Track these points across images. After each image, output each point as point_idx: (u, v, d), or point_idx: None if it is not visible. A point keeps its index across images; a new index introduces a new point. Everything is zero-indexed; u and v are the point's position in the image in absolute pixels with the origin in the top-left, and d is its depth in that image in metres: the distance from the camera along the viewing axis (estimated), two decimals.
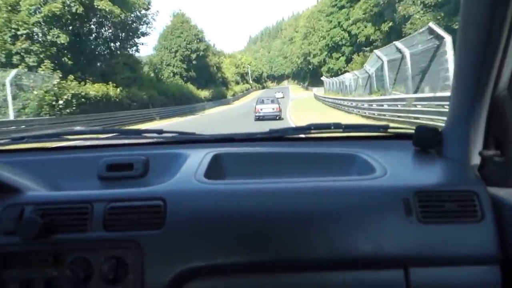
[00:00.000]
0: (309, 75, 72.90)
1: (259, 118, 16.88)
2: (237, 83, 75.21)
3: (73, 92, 15.88)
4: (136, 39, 26.33)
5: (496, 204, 0.79)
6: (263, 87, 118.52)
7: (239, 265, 0.79)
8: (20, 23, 18.38)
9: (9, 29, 18.21)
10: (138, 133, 1.30)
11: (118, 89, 20.34)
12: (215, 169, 1.00)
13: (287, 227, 0.79)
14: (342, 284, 0.80)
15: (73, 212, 0.81)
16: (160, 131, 1.26)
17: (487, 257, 0.77)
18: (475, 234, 0.78)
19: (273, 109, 17.41)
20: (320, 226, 0.79)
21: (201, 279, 0.79)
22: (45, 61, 17.21)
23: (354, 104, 16.58)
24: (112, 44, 25.01)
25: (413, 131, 1.06)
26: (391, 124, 1.33)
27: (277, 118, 16.75)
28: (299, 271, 0.80)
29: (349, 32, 49.92)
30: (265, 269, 0.80)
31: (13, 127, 11.71)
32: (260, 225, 0.80)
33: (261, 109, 17.37)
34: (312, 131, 1.24)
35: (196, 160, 1.02)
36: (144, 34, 26.89)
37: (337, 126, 1.22)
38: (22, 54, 18.30)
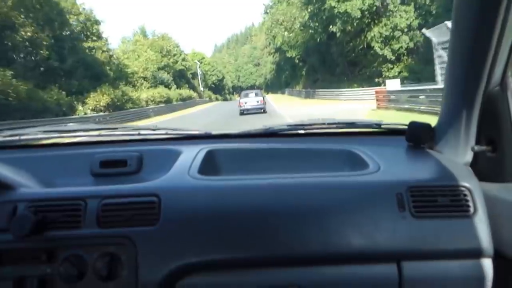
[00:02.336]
0: (310, 71, 27.71)
1: (243, 112, 17.17)
2: (162, 83, 38.32)
3: None
4: None
5: (488, 199, 0.81)
6: (225, 99, 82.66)
7: (234, 260, 0.80)
8: None
9: None
10: (132, 129, 1.29)
11: None
12: (209, 165, 1.01)
13: (281, 223, 0.80)
14: (336, 279, 0.81)
15: (66, 208, 0.82)
16: (153, 128, 1.28)
17: (479, 251, 0.78)
18: (468, 228, 0.79)
19: (258, 101, 17.68)
20: (314, 221, 0.80)
21: (195, 275, 0.79)
22: None
23: None
24: None
25: (406, 127, 1.07)
26: None
27: (262, 111, 17.02)
28: (293, 266, 0.81)
29: None
30: (260, 265, 0.81)
31: None
32: (254, 220, 0.81)
33: (245, 103, 17.72)
34: (306, 127, 1.26)
35: (190, 156, 1.02)
36: None
37: (331, 122, 1.25)
38: None
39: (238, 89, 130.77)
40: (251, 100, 17.67)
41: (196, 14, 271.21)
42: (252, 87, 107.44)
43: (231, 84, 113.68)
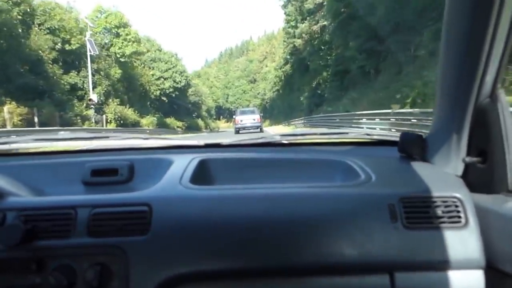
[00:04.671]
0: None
1: (238, 131, 17.64)
2: None
3: None
4: None
5: (479, 210, 0.84)
6: (189, 127, 47.23)
7: (226, 271, 0.82)
8: None
9: None
10: (123, 138, 1.33)
11: None
12: (201, 174, 1.03)
13: (273, 233, 0.83)
14: None
15: (56, 217, 0.84)
16: (145, 137, 1.35)
17: (471, 262, 0.81)
18: (459, 239, 0.82)
19: (254, 119, 18.13)
20: (307, 232, 0.83)
21: (187, 286, 0.82)
22: None
23: None
24: None
25: (397, 137, 1.11)
26: None
27: (259, 129, 17.68)
28: (286, 276, 0.84)
29: None
30: (252, 275, 0.83)
31: None
32: (247, 231, 0.83)
33: (241, 120, 18.17)
34: (298, 137, 1.34)
35: (182, 165, 1.04)
36: None
37: (324, 132, 1.33)
38: None
39: (225, 112, 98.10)
40: (247, 118, 18.23)
41: (190, 26, 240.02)
42: None
43: (214, 104, 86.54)
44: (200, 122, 53.45)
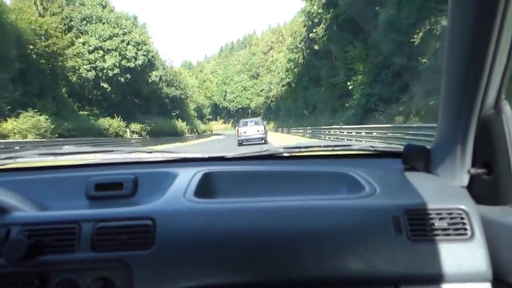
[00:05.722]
0: None
1: (242, 143, 17.60)
2: None
3: None
4: None
5: (485, 222, 0.87)
6: (153, 133, 31.45)
7: (229, 285, 0.85)
8: None
9: None
10: (128, 152, 1.39)
11: None
12: (205, 188, 1.08)
13: (278, 246, 0.86)
14: None
15: (60, 232, 0.87)
16: (149, 151, 1.40)
17: (478, 274, 0.83)
18: (465, 252, 0.84)
19: (258, 131, 17.91)
20: (311, 245, 0.86)
21: None
22: None
23: None
24: None
25: (401, 149, 1.17)
26: None
27: (263, 141, 17.84)
28: None
29: None
30: None
31: None
32: (251, 244, 0.87)
33: (244, 132, 18.05)
34: (302, 149, 1.37)
35: (186, 179, 1.09)
36: None
37: (327, 145, 1.38)
38: None
39: (223, 112, 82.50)
40: (251, 129, 17.97)
41: (189, 21, 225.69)
42: (244, 111, 74.23)
43: (208, 102, 74.87)
44: (180, 124, 37.98)
